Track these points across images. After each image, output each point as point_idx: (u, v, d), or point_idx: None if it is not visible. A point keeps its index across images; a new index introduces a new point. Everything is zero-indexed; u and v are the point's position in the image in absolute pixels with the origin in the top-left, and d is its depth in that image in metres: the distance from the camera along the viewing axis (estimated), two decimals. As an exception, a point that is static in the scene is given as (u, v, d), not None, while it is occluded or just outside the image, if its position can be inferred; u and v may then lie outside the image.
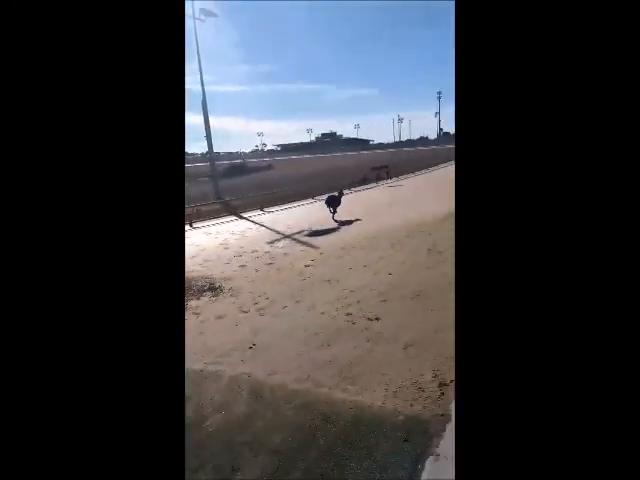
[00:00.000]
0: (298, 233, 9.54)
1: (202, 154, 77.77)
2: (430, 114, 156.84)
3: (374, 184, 20.65)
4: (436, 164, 30.36)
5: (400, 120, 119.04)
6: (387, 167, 24.83)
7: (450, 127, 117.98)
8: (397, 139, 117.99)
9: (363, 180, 21.76)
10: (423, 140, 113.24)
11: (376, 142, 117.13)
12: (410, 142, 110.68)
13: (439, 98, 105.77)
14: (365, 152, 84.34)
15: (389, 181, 21.82)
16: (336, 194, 11.58)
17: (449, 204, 10.31)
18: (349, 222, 10.24)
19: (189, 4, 18.48)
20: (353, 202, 13.83)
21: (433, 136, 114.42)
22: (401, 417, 2.73)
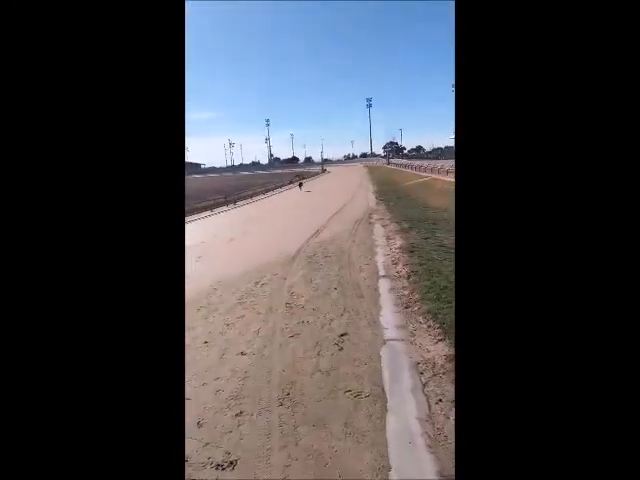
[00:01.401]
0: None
1: None
2: (260, 139, 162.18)
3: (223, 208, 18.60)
4: (272, 189, 30.36)
5: (231, 144, 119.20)
6: (302, 176, 40.38)
7: (279, 153, 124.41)
8: (229, 163, 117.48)
9: (290, 182, 32.23)
10: (256, 165, 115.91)
11: (208, 166, 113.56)
12: (243, 166, 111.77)
13: (267, 125, 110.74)
14: (198, 176, 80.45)
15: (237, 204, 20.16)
16: (301, 182, 31.07)
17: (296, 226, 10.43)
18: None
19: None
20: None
21: (265, 161, 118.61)
22: None
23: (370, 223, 11.16)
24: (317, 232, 10.53)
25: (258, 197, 24.99)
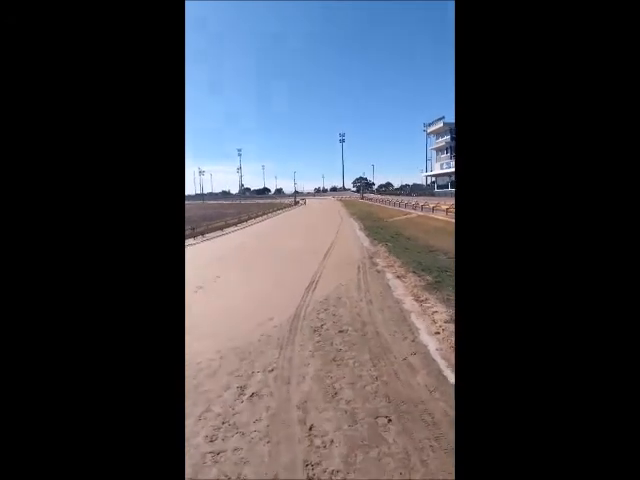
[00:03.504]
0: None
1: None
2: (232, 170, 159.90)
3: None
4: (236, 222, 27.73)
5: (201, 173, 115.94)
6: (304, 199, 48.66)
7: (250, 184, 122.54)
8: (199, 191, 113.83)
9: (296, 203, 40.75)
10: (225, 194, 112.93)
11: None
12: (212, 195, 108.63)
13: (240, 155, 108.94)
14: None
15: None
16: (304, 199, 60.09)
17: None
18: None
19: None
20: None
21: (235, 190, 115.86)
22: None
23: (378, 272, 8.80)
24: (313, 283, 8.01)
25: (230, 229, 22.23)
